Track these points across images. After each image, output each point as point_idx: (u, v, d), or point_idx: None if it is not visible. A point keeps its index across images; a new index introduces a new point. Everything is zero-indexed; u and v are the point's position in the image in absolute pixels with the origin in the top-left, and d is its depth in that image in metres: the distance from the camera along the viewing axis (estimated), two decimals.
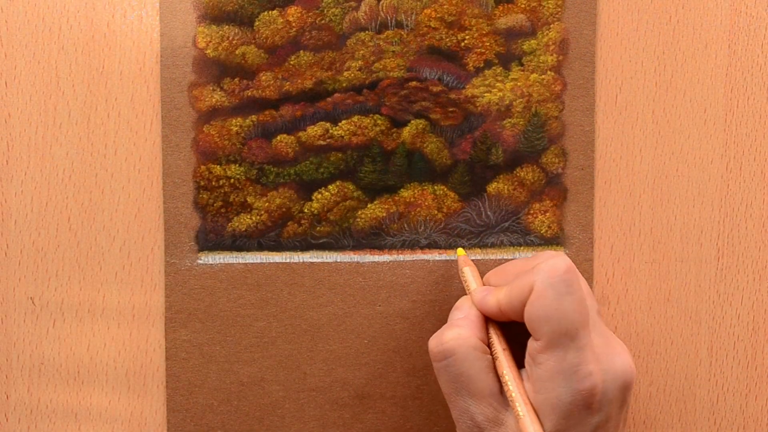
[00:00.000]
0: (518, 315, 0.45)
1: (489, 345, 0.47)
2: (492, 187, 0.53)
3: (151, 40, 0.51)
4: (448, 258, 0.53)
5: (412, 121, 0.52)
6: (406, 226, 0.53)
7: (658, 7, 0.53)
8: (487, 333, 0.47)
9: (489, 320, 0.47)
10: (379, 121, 0.52)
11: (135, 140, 0.52)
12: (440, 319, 0.53)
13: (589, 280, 0.53)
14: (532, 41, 0.53)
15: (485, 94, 0.53)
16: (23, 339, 0.52)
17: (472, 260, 0.53)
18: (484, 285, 0.50)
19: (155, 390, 0.53)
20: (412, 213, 0.53)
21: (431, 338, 0.46)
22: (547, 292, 0.44)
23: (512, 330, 0.47)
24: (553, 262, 0.44)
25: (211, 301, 0.52)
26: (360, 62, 0.52)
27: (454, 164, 0.53)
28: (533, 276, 0.44)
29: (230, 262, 0.52)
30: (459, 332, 0.46)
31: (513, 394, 0.45)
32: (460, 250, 0.53)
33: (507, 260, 0.53)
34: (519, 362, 0.46)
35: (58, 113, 0.51)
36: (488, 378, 0.45)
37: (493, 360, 0.46)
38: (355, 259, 0.53)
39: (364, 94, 0.52)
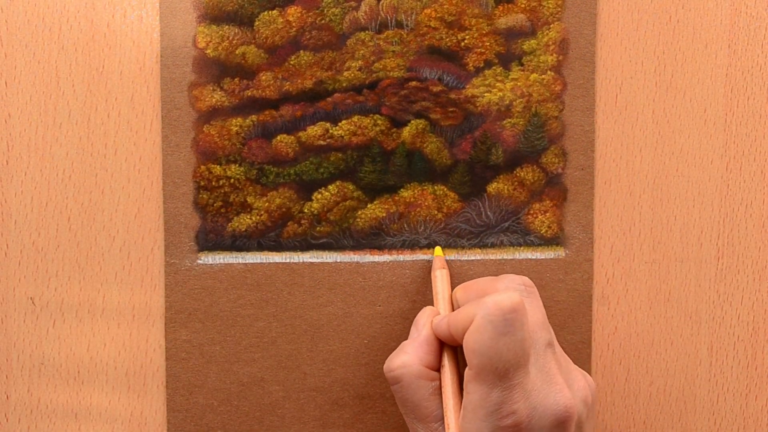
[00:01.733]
0: (461, 341, 0.45)
1: (440, 368, 0.47)
2: (492, 187, 0.53)
3: (151, 40, 0.51)
4: (448, 258, 0.53)
5: (412, 121, 0.52)
6: (406, 226, 0.53)
7: (658, 7, 0.53)
8: (441, 355, 0.48)
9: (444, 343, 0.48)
10: (379, 121, 0.52)
11: (135, 140, 0.52)
12: None
13: (589, 280, 0.53)
14: (532, 41, 0.53)
15: (485, 94, 0.53)
16: (23, 339, 0.52)
17: (473, 261, 0.53)
18: (452, 297, 0.50)
19: (155, 390, 0.53)
20: (412, 213, 0.53)
21: (386, 361, 0.47)
22: (484, 328, 0.43)
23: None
24: (499, 299, 0.44)
25: (211, 301, 0.52)
26: (360, 62, 0.52)
27: (454, 164, 0.53)
28: (477, 308, 0.44)
29: (230, 262, 0.52)
30: (405, 359, 0.47)
31: (447, 421, 0.45)
32: (438, 249, 0.52)
33: (507, 261, 0.53)
34: None
35: (58, 113, 0.51)
36: (433, 404, 0.46)
37: (440, 384, 0.47)
38: (355, 259, 0.53)
39: (364, 94, 0.52)
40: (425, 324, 0.48)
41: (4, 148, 0.51)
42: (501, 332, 0.43)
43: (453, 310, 0.49)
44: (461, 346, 0.46)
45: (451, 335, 0.47)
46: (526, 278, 0.48)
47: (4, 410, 0.52)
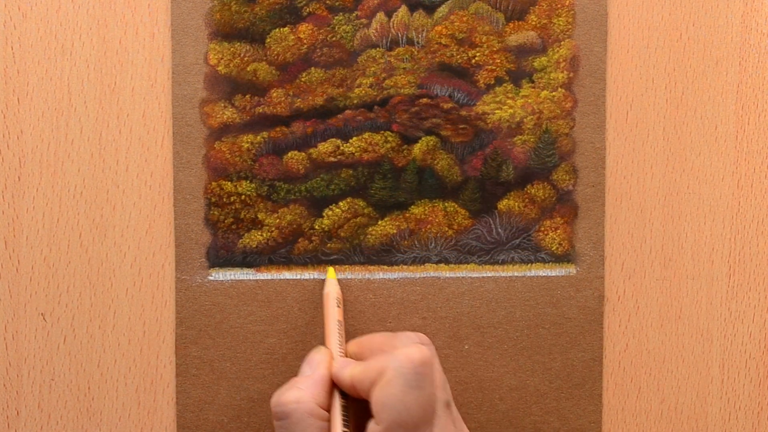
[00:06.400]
0: (367, 395, 0.45)
1: (330, 410, 0.47)
2: (503, 204, 0.53)
3: (162, 56, 0.52)
4: (459, 275, 0.53)
5: (423, 138, 0.53)
6: (416, 242, 0.53)
7: (669, 25, 0.53)
8: (331, 397, 0.47)
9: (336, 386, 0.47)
10: (389, 138, 0.52)
11: (146, 156, 0.52)
12: (450, 336, 0.53)
13: (600, 297, 0.53)
14: (543, 58, 0.53)
15: (496, 111, 0.53)
16: (34, 355, 0.52)
17: (483, 278, 0.53)
18: (346, 343, 0.49)
19: (165, 407, 0.53)
20: (423, 230, 0.53)
21: (275, 393, 0.46)
22: (396, 381, 0.44)
23: (362, 401, 0.46)
24: (410, 352, 0.44)
25: (221, 318, 0.52)
26: (371, 79, 0.52)
27: (464, 181, 0.53)
28: (387, 360, 0.44)
29: (241, 278, 0.52)
30: (298, 395, 0.46)
31: None
32: (331, 271, 0.52)
33: (517, 278, 0.53)
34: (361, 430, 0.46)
35: (70, 129, 0.52)
36: None
37: (329, 427, 0.46)
38: (366, 276, 0.53)
39: (375, 111, 0.52)
40: (320, 363, 0.48)
41: (16, 164, 0.51)
42: (412, 386, 0.44)
43: (347, 356, 0.49)
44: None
45: (353, 387, 0.46)
46: (423, 335, 0.49)
47: (14, 426, 0.52)
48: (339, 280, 0.53)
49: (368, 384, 0.45)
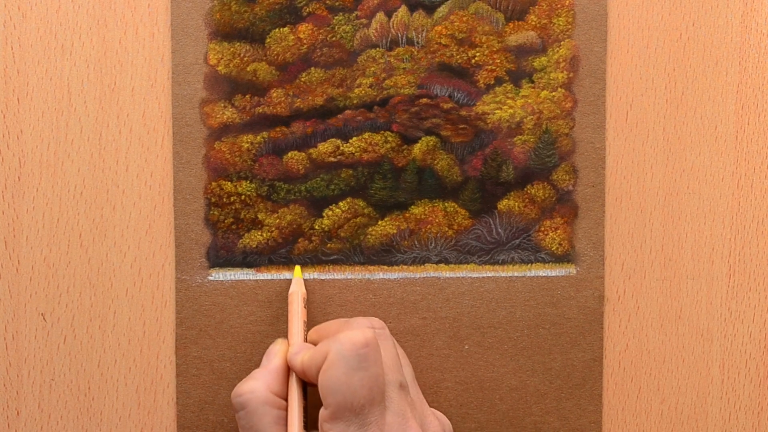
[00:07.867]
0: (315, 380, 0.45)
1: (287, 398, 0.47)
2: (503, 204, 0.53)
3: (162, 56, 0.52)
4: (459, 275, 0.53)
5: (423, 138, 0.53)
6: (416, 242, 0.53)
7: (669, 25, 0.53)
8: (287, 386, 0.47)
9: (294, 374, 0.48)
10: (389, 138, 0.52)
11: (146, 156, 0.52)
12: (450, 336, 0.53)
13: (600, 297, 0.53)
14: (543, 58, 0.53)
15: (496, 111, 0.53)
16: (34, 355, 0.52)
17: (483, 278, 0.53)
18: (307, 332, 0.50)
19: (166, 407, 0.53)
20: (423, 230, 0.53)
21: (235, 387, 0.47)
22: (338, 364, 0.44)
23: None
24: (352, 334, 0.44)
25: (221, 318, 0.52)
26: (371, 79, 0.52)
27: (464, 181, 0.53)
28: (330, 345, 0.44)
29: (241, 278, 0.52)
30: (253, 385, 0.46)
31: None
32: (298, 269, 0.52)
33: (518, 278, 0.53)
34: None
35: (70, 129, 0.52)
36: None
37: (287, 414, 0.46)
38: (366, 276, 0.53)
39: (375, 111, 0.52)
40: (277, 353, 0.48)
41: (15, 164, 0.51)
42: (354, 367, 0.43)
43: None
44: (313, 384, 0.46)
45: (304, 373, 0.46)
46: (376, 319, 0.49)
47: (14, 426, 0.52)
48: (340, 281, 0.53)
49: (315, 369, 0.45)
